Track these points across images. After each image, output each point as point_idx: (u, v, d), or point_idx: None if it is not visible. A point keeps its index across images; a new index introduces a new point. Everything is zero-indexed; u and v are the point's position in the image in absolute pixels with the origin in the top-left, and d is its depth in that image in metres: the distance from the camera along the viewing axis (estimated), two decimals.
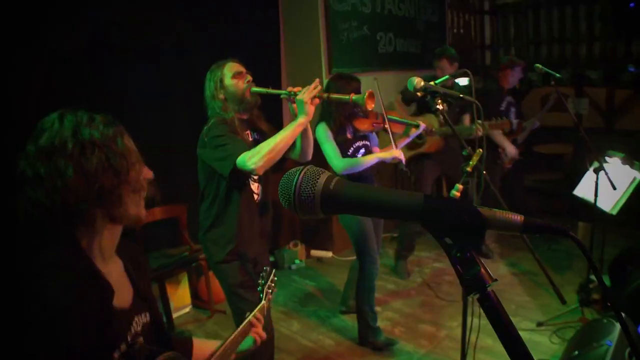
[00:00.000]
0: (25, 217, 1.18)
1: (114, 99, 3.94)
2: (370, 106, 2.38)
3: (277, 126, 2.72)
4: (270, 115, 2.92)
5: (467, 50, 7.68)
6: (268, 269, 2.07)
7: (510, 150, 4.96)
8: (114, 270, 1.33)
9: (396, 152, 3.35)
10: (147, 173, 1.36)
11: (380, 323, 3.84)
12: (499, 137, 4.92)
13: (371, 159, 3.38)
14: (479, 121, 3.99)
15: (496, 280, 0.72)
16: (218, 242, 2.70)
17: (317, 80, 2.53)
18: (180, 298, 4.40)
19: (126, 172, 1.25)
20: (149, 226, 4.28)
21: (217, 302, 4.33)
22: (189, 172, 2.92)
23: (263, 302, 1.92)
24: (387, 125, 3.44)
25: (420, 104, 4.74)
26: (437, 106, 2.33)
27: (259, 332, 1.83)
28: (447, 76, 3.03)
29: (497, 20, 7.57)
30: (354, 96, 2.37)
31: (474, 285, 0.72)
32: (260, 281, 1.99)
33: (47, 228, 1.20)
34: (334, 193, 0.77)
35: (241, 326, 1.77)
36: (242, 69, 2.67)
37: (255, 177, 2.71)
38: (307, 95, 2.44)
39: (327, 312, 4.30)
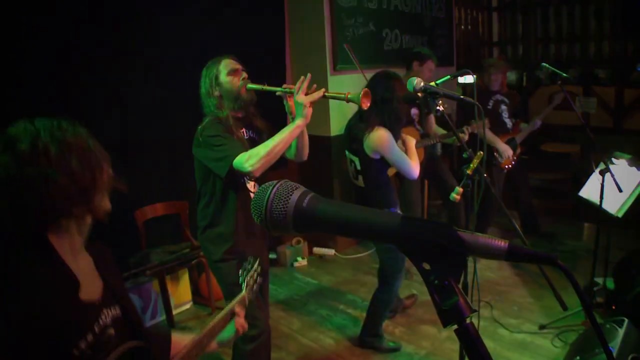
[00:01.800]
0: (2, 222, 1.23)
1: (118, 97, 3.93)
2: (366, 105, 2.33)
3: (277, 124, 2.67)
4: (271, 113, 2.88)
5: (475, 47, 7.62)
6: (252, 259, 2.04)
7: (503, 148, 4.87)
8: (84, 266, 1.37)
9: None
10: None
11: None
12: (491, 137, 4.82)
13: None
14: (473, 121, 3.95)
15: (475, 311, 0.68)
16: (215, 242, 2.68)
17: (323, 90, 2.46)
18: (180, 294, 4.39)
19: (100, 170, 1.33)
20: (150, 222, 4.27)
21: (217, 299, 4.31)
22: (190, 169, 2.89)
23: (243, 292, 1.90)
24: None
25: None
26: (438, 107, 2.28)
27: (242, 323, 1.83)
28: (448, 76, 2.97)
29: (505, 18, 7.49)
30: (349, 94, 2.33)
31: (452, 316, 0.67)
32: (241, 272, 1.96)
33: (20, 230, 1.25)
34: (307, 210, 0.73)
35: (219, 315, 1.76)
36: (238, 65, 2.63)
37: (255, 177, 2.68)
38: (307, 99, 2.39)
39: (328, 310, 4.27)
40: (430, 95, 2.30)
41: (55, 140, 1.24)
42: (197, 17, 4.37)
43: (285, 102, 2.58)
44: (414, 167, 3.20)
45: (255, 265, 2.03)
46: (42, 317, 1.15)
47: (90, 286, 1.34)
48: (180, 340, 1.69)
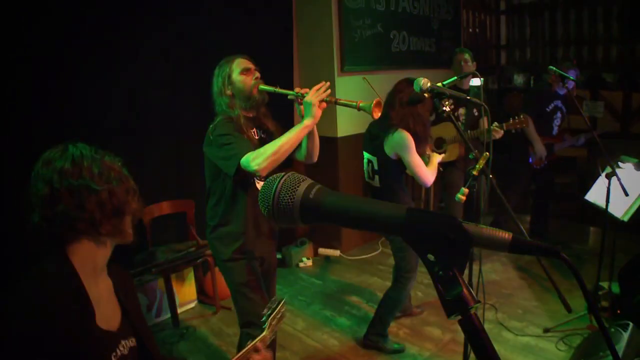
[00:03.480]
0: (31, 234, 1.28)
1: (127, 94, 3.95)
2: (377, 114, 2.34)
3: (286, 126, 2.68)
4: (279, 114, 2.89)
5: (483, 50, 7.61)
6: (276, 299, 2.00)
7: (539, 148, 4.94)
8: (104, 290, 1.39)
9: None
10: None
11: None
12: (533, 134, 4.89)
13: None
14: (496, 123, 3.95)
15: (479, 302, 0.68)
16: (224, 241, 2.68)
17: (328, 83, 2.48)
18: (186, 293, 4.40)
19: (132, 195, 1.41)
20: (157, 220, 4.29)
21: (222, 298, 4.33)
22: (197, 167, 2.91)
23: (265, 332, 1.86)
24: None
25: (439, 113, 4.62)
26: (444, 108, 2.29)
27: (263, 357, 1.80)
28: (454, 77, 2.97)
29: (513, 21, 7.48)
30: (361, 103, 2.34)
31: (456, 306, 0.67)
32: (266, 311, 1.92)
33: (44, 246, 1.30)
34: (313, 202, 0.74)
35: (240, 354, 1.73)
36: (250, 65, 2.63)
37: (262, 176, 2.69)
38: (316, 97, 2.40)
39: (332, 311, 4.28)
40: (437, 96, 2.31)
41: (95, 160, 1.33)
42: (204, 18, 4.39)
43: (296, 106, 2.58)
44: (429, 175, 3.25)
45: (280, 306, 1.98)
46: (55, 344, 1.16)
47: (109, 313, 1.37)
48: None
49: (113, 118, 3.86)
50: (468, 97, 2.39)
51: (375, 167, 3.36)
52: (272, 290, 3.03)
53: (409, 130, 3.18)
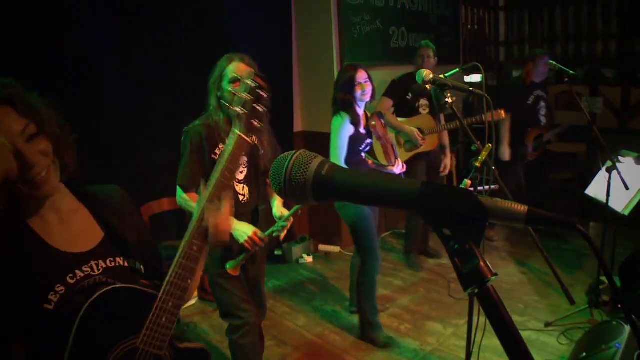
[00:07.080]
0: None
1: (124, 91, 3.93)
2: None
3: (282, 128, 2.67)
4: (282, 119, 2.88)
5: (481, 46, 7.61)
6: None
7: (503, 150, 4.96)
8: (65, 212, 1.34)
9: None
10: None
11: (387, 320, 3.83)
12: (505, 132, 4.87)
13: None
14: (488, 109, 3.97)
15: (496, 274, 0.68)
16: None
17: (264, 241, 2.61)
18: None
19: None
20: (156, 217, 4.28)
21: None
22: None
23: (238, 131, 1.55)
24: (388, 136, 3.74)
25: (400, 105, 4.68)
26: (446, 99, 2.28)
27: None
28: (456, 69, 2.97)
29: (512, 17, 7.48)
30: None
31: (473, 279, 0.67)
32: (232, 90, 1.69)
33: None
34: (326, 179, 0.73)
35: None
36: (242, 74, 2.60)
37: (241, 179, 2.72)
38: (247, 244, 2.54)
39: (333, 307, 4.28)
40: (439, 87, 2.30)
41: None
42: (202, 12, 4.36)
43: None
44: (337, 156, 3.39)
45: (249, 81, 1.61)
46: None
47: (71, 236, 1.32)
48: None
49: (112, 113, 3.84)
50: (471, 89, 2.38)
51: None
52: (261, 281, 3.08)
53: (347, 113, 3.38)
